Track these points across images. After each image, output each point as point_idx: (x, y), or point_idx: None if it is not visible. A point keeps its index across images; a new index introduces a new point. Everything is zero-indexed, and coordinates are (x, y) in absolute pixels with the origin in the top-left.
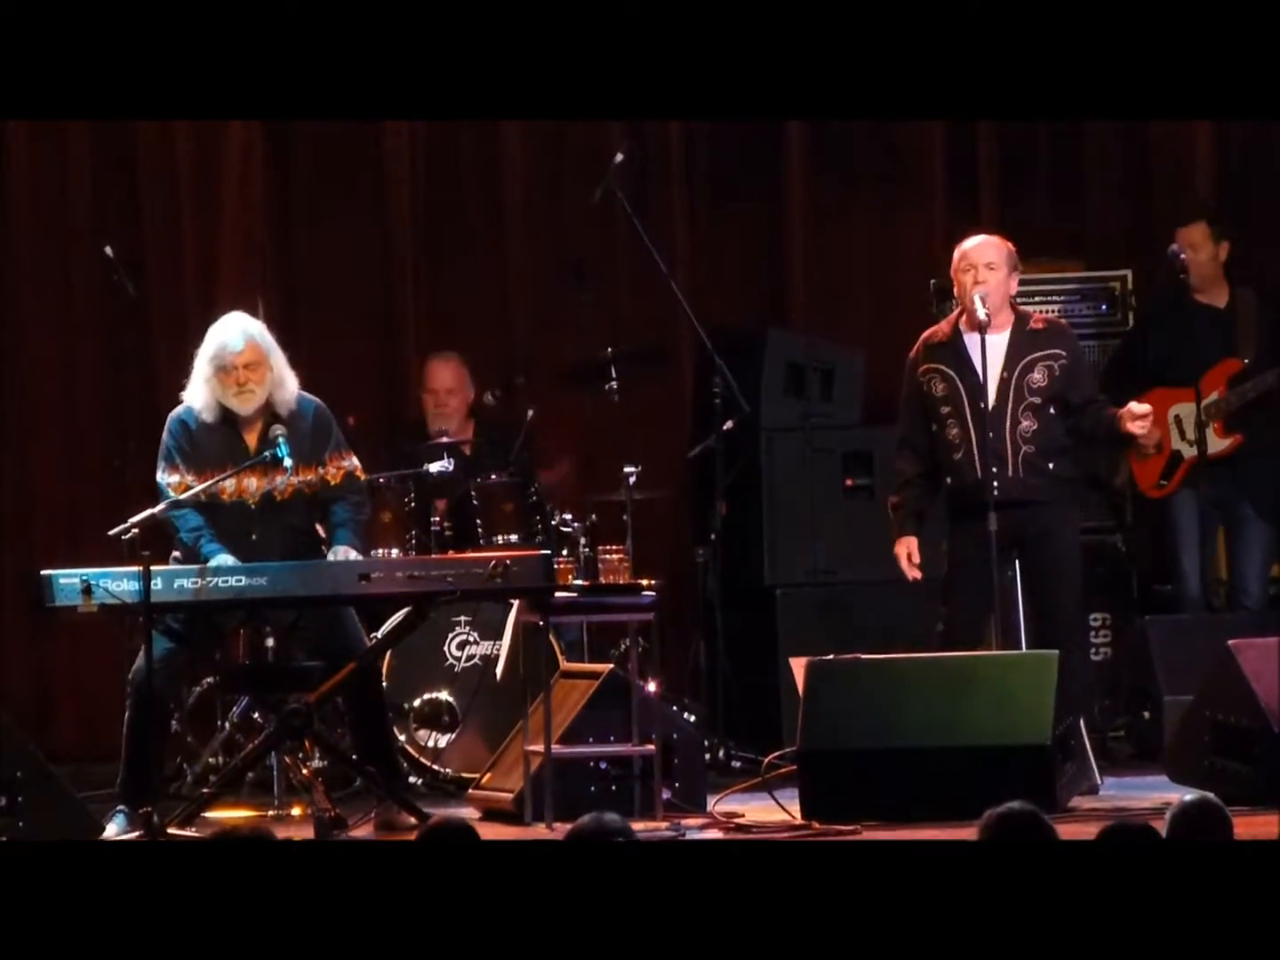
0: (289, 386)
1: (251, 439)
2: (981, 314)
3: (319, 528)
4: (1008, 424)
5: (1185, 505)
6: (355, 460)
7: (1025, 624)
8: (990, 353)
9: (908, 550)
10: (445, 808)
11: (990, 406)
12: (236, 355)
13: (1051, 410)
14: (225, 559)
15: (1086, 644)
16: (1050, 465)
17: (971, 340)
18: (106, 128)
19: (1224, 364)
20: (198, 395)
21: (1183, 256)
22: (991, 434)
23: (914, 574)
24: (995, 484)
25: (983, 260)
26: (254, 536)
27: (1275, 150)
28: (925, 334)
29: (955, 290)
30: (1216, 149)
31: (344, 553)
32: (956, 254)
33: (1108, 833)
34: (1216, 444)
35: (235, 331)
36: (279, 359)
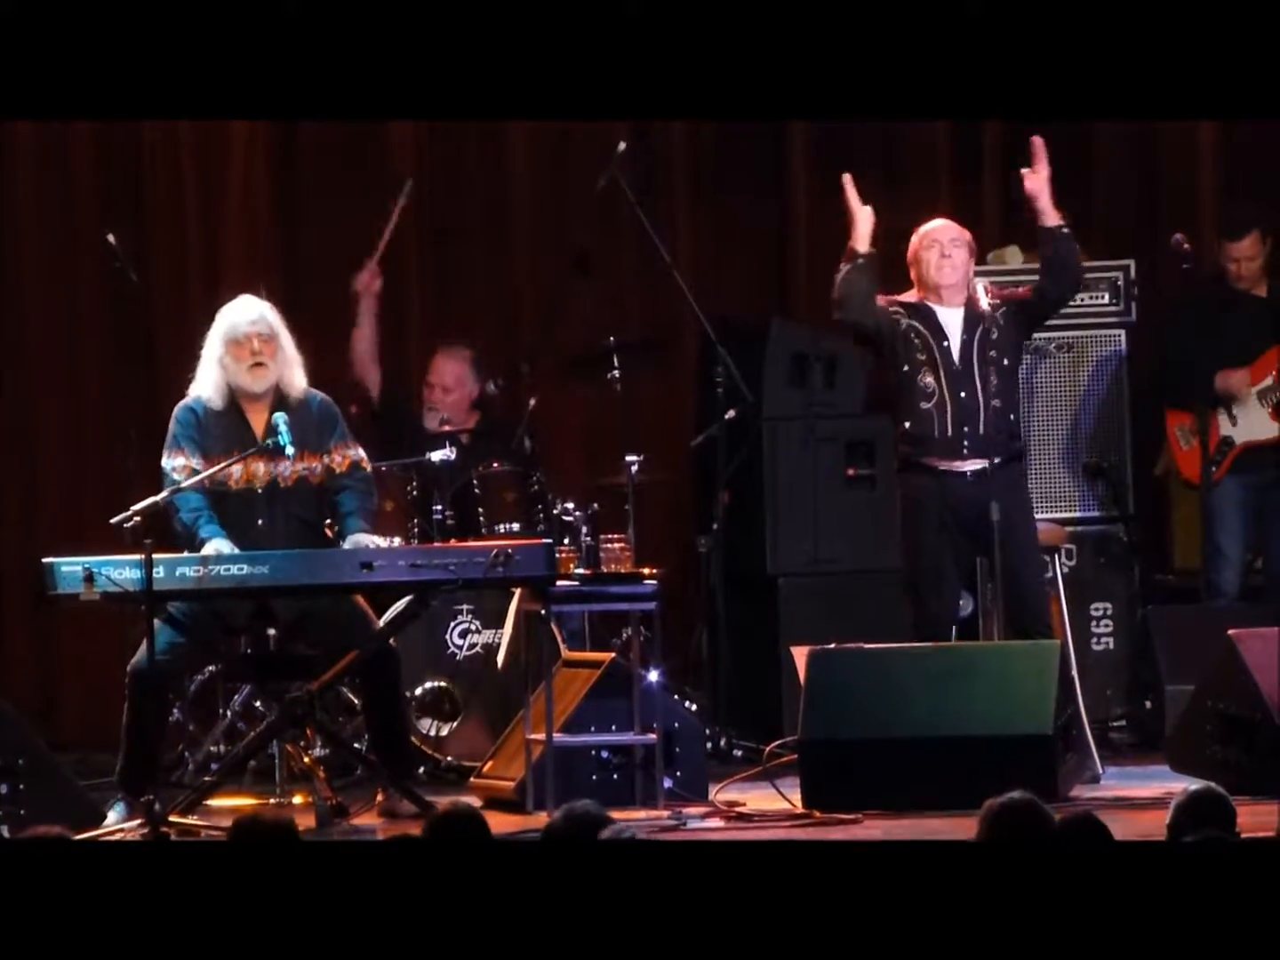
0: (299, 370)
1: (259, 425)
2: (951, 280)
3: (326, 525)
4: (978, 380)
5: (1233, 491)
6: (361, 451)
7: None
8: (951, 324)
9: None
10: (447, 796)
11: (959, 366)
12: (250, 325)
13: (1006, 362)
14: (222, 544)
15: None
16: (1011, 417)
17: (938, 310)
18: (111, 124)
19: (1278, 349)
20: (207, 380)
21: (1230, 267)
22: (964, 393)
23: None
24: (966, 442)
25: (947, 236)
26: (260, 523)
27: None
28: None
29: (913, 272)
30: (1222, 138)
31: (358, 540)
32: (916, 237)
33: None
34: (1270, 429)
35: (247, 306)
36: (288, 341)
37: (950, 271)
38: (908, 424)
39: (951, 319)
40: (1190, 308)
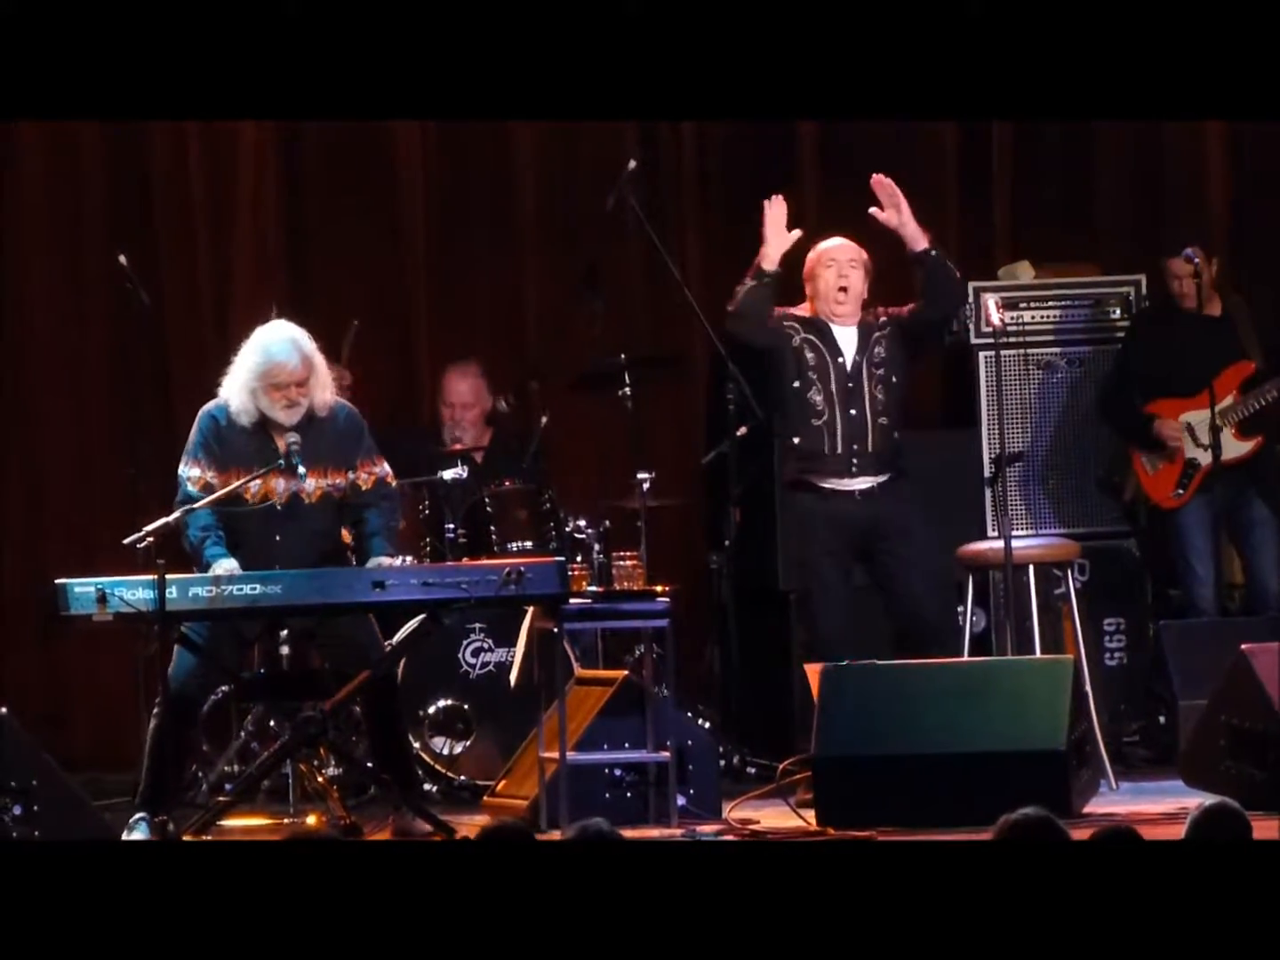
0: (329, 387)
1: (282, 442)
2: (842, 310)
3: (345, 535)
4: (866, 399)
5: (1198, 511)
6: (387, 467)
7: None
8: (844, 342)
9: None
10: (460, 815)
11: (850, 384)
12: (292, 374)
13: (894, 379)
14: (228, 564)
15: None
16: (896, 434)
17: (833, 327)
18: (120, 135)
19: (1235, 368)
20: (237, 398)
21: (1173, 284)
22: (853, 410)
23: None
24: (855, 460)
25: (845, 256)
26: (277, 538)
27: None
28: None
29: (808, 288)
30: (1229, 153)
31: (380, 564)
32: (814, 253)
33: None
34: (1236, 448)
35: (289, 348)
36: (321, 363)
37: (843, 298)
38: (796, 440)
39: (845, 335)
40: (1144, 329)
